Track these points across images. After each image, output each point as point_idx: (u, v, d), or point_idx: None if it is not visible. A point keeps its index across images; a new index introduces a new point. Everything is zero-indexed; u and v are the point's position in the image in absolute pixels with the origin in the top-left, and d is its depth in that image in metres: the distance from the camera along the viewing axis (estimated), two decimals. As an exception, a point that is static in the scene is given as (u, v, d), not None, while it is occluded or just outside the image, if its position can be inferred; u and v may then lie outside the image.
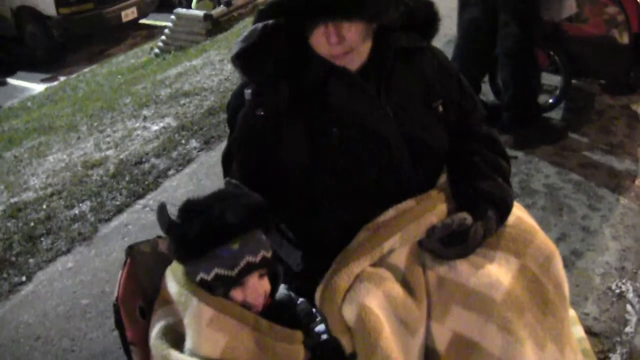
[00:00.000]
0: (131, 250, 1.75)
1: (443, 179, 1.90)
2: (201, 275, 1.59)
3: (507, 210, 1.82)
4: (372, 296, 1.60)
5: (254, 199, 1.68)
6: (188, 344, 1.53)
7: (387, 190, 1.79)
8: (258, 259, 1.60)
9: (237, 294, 1.61)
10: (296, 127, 1.76)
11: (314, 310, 1.71)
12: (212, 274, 1.58)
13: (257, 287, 1.62)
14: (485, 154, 1.92)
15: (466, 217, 1.74)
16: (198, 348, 1.51)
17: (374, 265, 1.70)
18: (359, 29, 1.69)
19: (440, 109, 1.89)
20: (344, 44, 1.69)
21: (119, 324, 1.67)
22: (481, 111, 2.04)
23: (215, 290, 1.59)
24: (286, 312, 1.69)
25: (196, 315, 1.54)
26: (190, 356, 1.51)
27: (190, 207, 1.66)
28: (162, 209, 1.66)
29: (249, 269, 1.59)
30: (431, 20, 1.88)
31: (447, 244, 1.71)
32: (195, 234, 1.59)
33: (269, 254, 1.64)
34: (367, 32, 1.73)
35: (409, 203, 1.78)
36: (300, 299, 1.78)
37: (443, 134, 1.90)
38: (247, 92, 1.76)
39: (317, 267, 1.73)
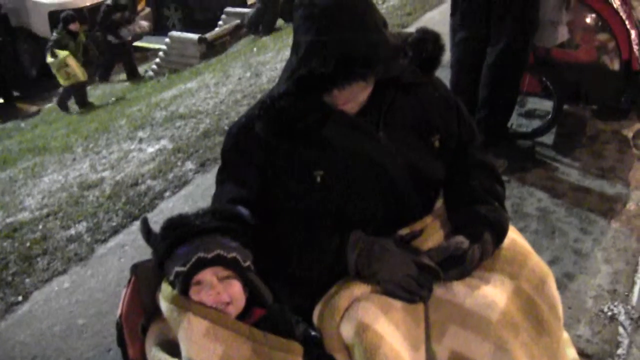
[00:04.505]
0: (136, 269, 1.78)
1: (439, 204, 1.94)
2: (170, 277, 1.64)
3: (503, 233, 1.84)
4: (370, 314, 1.63)
5: (225, 208, 1.75)
6: (184, 354, 1.53)
7: (388, 217, 1.82)
8: (210, 255, 1.62)
9: (193, 293, 1.62)
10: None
11: (312, 332, 1.73)
12: (173, 272, 1.63)
13: (215, 287, 1.62)
14: (481, 179, 1.95)
15: (463, 240, 1.76)
16: (195, 357, 1.52)
17: (374, 291, 1.72)
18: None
19: (437, 144, 1.91)
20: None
21: (121, 342, 1.70)
22: (478, 139, 2.08)
23: (178, 288, 1.62)
24: (282, 327, 1.68)
25: (191, 327, 1.55)
26: None
27: (170, 219, 1.73)
28: (143, 222, 1.76)
29: (199, 264, 1.61)
30: (437, 54, 1.89)
31: (445, 267, 1.73)
32: (161, 236, 1.67)
33: (229, 255, 1.64)
34: (369, 83, 1.75)
35: (407, 230, 1.82)
36: (300, 321, 1.76)
37: (439, 165, 1.93)
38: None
39: (316, 288, 1.77)
